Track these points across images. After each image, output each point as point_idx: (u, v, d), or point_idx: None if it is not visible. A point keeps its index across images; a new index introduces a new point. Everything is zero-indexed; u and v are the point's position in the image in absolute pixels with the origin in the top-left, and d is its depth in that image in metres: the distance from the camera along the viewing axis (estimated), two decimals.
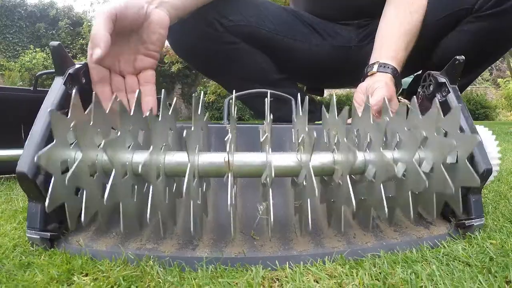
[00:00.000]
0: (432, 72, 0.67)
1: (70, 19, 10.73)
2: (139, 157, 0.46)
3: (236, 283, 0.39)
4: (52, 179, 0.41)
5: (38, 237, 0.48)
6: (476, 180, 0.43)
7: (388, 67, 0.80)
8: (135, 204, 0.47)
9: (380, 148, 0.47)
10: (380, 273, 0.40)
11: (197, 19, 0.92)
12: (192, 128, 0.46)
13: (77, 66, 0.59)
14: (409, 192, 0.46)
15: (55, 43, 0.56)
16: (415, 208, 0.47)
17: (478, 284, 0.37)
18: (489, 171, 0.53)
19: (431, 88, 0.66)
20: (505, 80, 8.31)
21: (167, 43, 0.79)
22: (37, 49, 9.76)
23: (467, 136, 0.47)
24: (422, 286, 0.37)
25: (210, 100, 7.32)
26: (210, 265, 0.43)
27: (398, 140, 0.50)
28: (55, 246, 0.49)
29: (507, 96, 7.93)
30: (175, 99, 0.61)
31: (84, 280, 0.40)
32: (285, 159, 0.48)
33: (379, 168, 0.47)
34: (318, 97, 1.43)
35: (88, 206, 0.43)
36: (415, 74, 1.16)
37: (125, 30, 0.62)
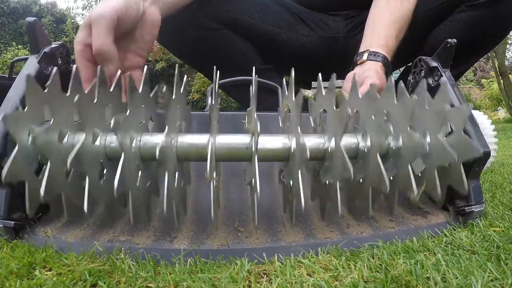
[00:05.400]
0: (423, 57, 0.64)
1: (53, 16, 10.46)
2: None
3: (218, 278, 0.34)
4: (16, 147, 0.36)
5: (1, 225, 0.43)
6: (476, 150, 0.40)
7: (379, 56, 0.77)
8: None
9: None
10: (380, 264, 0.36)
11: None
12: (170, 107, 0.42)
13: (53, 45, 0.55)
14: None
15: (31, 19, 0.52)
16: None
17: (489, 272, 0.33)
18: (487, 154, 0.49)
19: (423, 74, 0.63)
20: (489, 80, 8.38)
21: None
22: (19, 46, 9.50)
23: (458, 109, 0.44)
24: (429, 277, 0.33)
25: (194, 98, 7.13)
26: (189, 258, 0.39)
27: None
28: (19, 237, 0.44)
29: (491, 96, 8.01)
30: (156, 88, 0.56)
31: (46, 275, 0.35)
32: (273, 141, 0.44)
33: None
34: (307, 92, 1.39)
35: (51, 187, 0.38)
36: (405, 66, 1.13)
37: (123, 31, 0.58)
